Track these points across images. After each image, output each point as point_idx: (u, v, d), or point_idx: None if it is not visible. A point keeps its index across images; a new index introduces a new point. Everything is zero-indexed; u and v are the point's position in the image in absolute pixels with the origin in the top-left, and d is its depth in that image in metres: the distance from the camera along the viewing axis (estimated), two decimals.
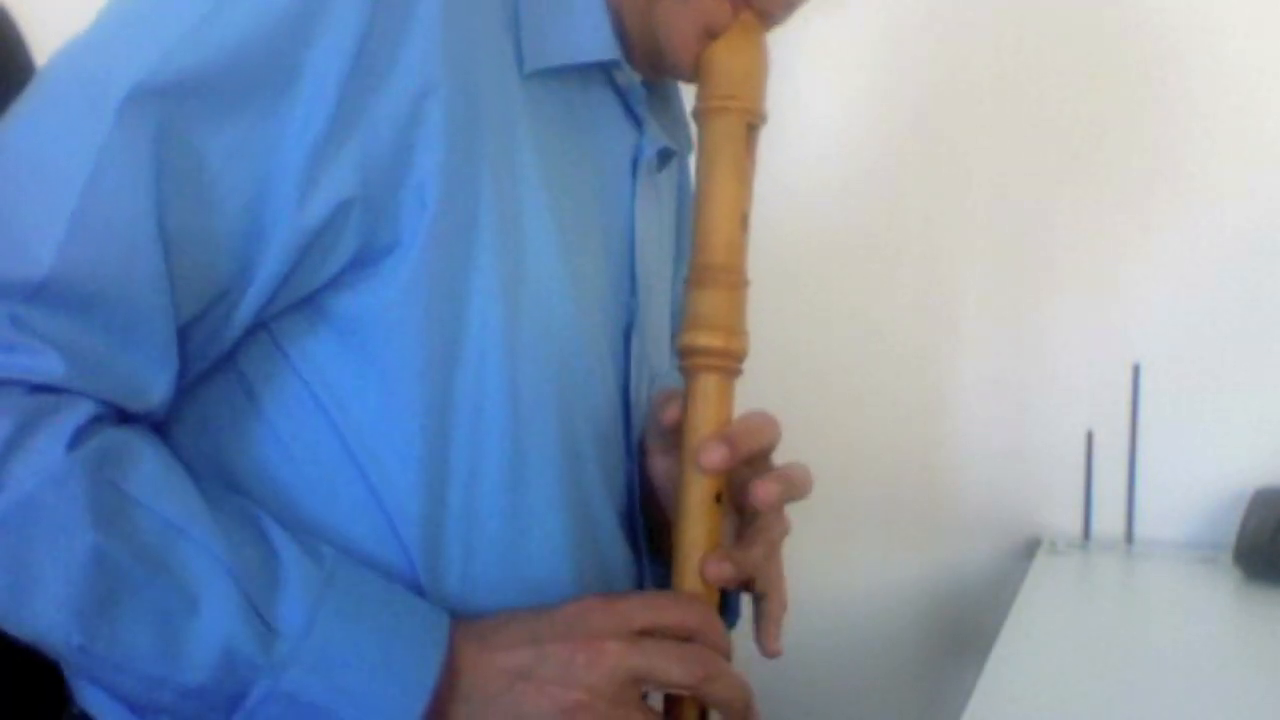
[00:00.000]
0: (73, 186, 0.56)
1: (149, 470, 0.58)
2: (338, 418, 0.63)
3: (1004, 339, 1.28)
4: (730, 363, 0.67)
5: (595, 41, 0.68)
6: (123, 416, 0.59)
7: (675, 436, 0.69)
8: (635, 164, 0.74)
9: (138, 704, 0.59)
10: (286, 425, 0.64)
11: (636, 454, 0.73)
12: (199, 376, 0.62)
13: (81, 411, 0.56)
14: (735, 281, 0.68)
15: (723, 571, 0.65)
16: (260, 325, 0.63)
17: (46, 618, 0.55)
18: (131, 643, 0.55)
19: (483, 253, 0.63)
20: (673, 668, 0.62)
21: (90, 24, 0.60)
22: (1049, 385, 1.26)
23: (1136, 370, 1.23)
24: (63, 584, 0.54)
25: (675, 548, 0.67)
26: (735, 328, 0.67)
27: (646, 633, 0.63)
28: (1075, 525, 1.26)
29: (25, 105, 0.59)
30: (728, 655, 0.65)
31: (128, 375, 0.58)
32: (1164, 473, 1.23)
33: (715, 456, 0.65)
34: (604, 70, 0.71)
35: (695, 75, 0.70)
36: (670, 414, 0.69)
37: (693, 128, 0.73)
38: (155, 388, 0.59)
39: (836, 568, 1.29)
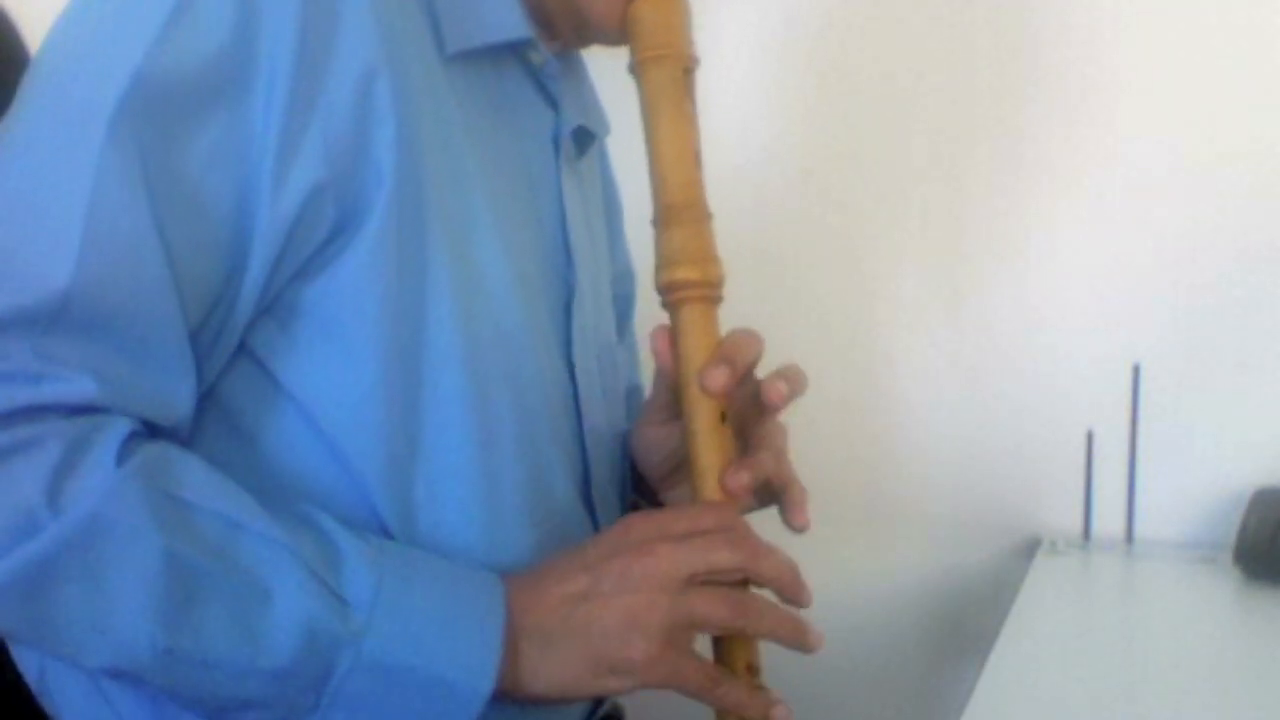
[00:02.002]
0: (76, 210, 0.57)
1: (195, 475, 0.59)
2: (314, 413, 0.64)
3: (1004, 339, 1.28)
4: (710, 291, 0.70)
5: (509, 20, 0.71)
6: (152, 433, 0.60)
7: (677, 404, 0.72)
8: (556, 143, 0.77)
9: (225, 704, 0.59)
10: (271, 437, 0.65)
11: (588, 419, 0.76)
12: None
13: (121, 428, 0.57)
14: (699, 216, 0.71)
15: (741, 480, 0.68)
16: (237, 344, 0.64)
17: (129, 629, 0.56)
18: (215, 638, 0.57)
19: (433, 228, 0.65)
20: (721, 554, 0.65)
21: (48, 43, 0.62)
22: (1049, 385, 1.26)
23: (1136, 370, 1.23)
24: (141, 592, 0.55)
25: (692, 473, 0.70)
26: (708, 258, 0.71)
27: (687, 535, 0.65)
28: (1075, 525, 1.26)
29: (8, 139, 0.60)
30: (756, 547, 0.67)
31: (153, 390, 0.59)
32: (1164, 473, 1.23)
33: (719, 377, 0.68)
34: (516, 52, 0.74)
35: (621, 36, 0.73)
36: (660, 343, 0.71)
37: (621, 105, 0.76)
38: (179, 400, 0.60)
39: (836, 568, 1.28)
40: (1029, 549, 1.25)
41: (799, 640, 0.66)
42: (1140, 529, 1.24)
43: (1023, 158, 1.26)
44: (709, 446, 0.69)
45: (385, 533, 0.66)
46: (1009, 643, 0.93)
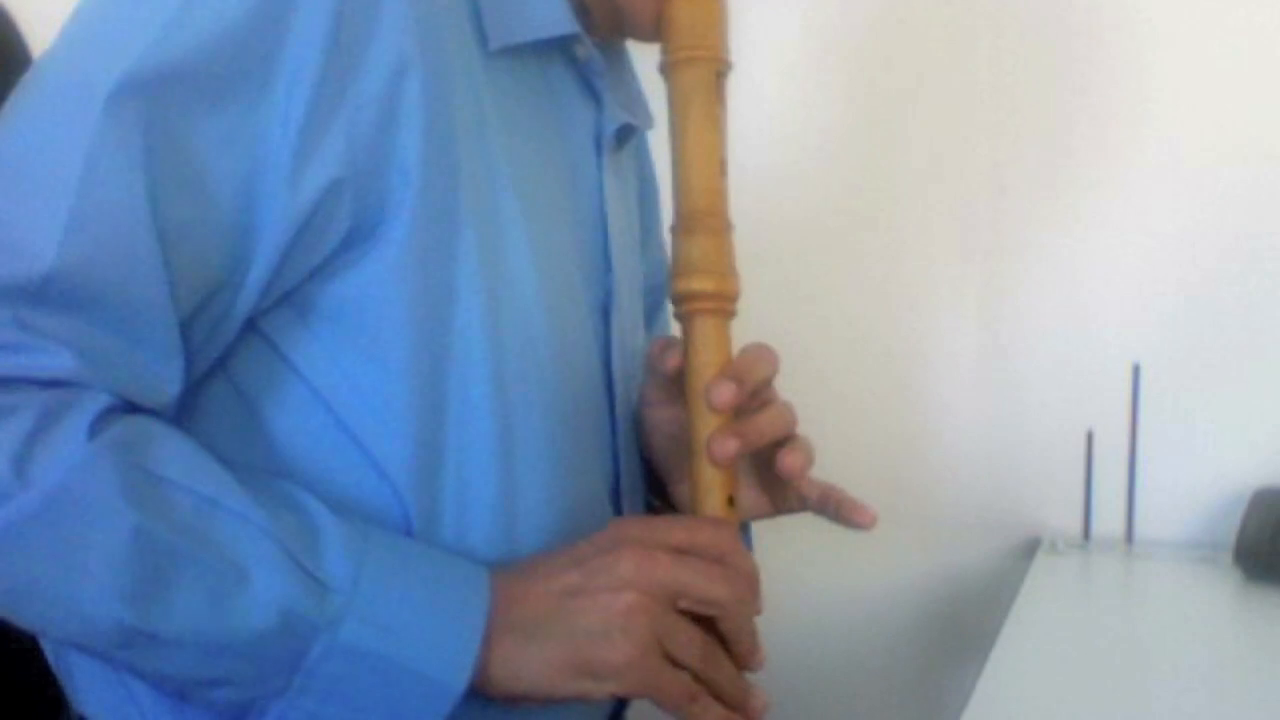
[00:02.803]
0: (67, 184, 0.55)
1: (172, 450, 0.58)
2: (334, 404, 0.63)
3: (1004, 339, 1.28)
4: (725, 304, 0.68)
5: (555, 15, 0.69)
6: (134, 410, 0.59)
7: (676, 385, 0.71)
8: (598, 141, 0.75)
9: (191, 682, 0.58)
10: (283, 418, 0.64)
11: (624, 425, 0.75)
12: (195, 382, 0.62)
13: (98, 401, 0.56)
14: (720, 226, 0.69)
15: (728, 447, 0.66)
16: (250, 326, 0.63)
17: (93, 605, 0.54)
18: (184, 617, 0.55)
19: (463, 230, 0.64)
20: (715, 585, 0.63)
21: (67, 23, 0.60)
22: (1049, 385, 1.26)
23: (1136, 370, 1.23)
24: (107, 568, 0.54)
25: (692, 487, 0.68)
26: (726, 270, 0.69)
27: (683, 551, 0.63)
28: (1075, 525, 1.26)
29: (12, 111, 0.59)
30: (755, 574, 0.66)
31: (137, 370, 0.58)
32: (1164, 473, 1.23)
33: (725, 394, 0.66)
34: (561, 47, 0.72)
35: (656, 33, 0.71)
36: (671, 361, 0.70)
37: (653, 101, 0.75)
38: (165, 382, 0.59)
39: (836, 568, 1.28)
40: (1029, 549, 1.25)
41: (738, 710, 0.65)
42: (1140, 529, 1.24)
43: (1023, 160, 1.26)
44: (710, 463, 0.67)
45: (409, 531, 0.65)
46: (1009, 643, 0.93)
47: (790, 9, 1.30)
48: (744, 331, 0.74)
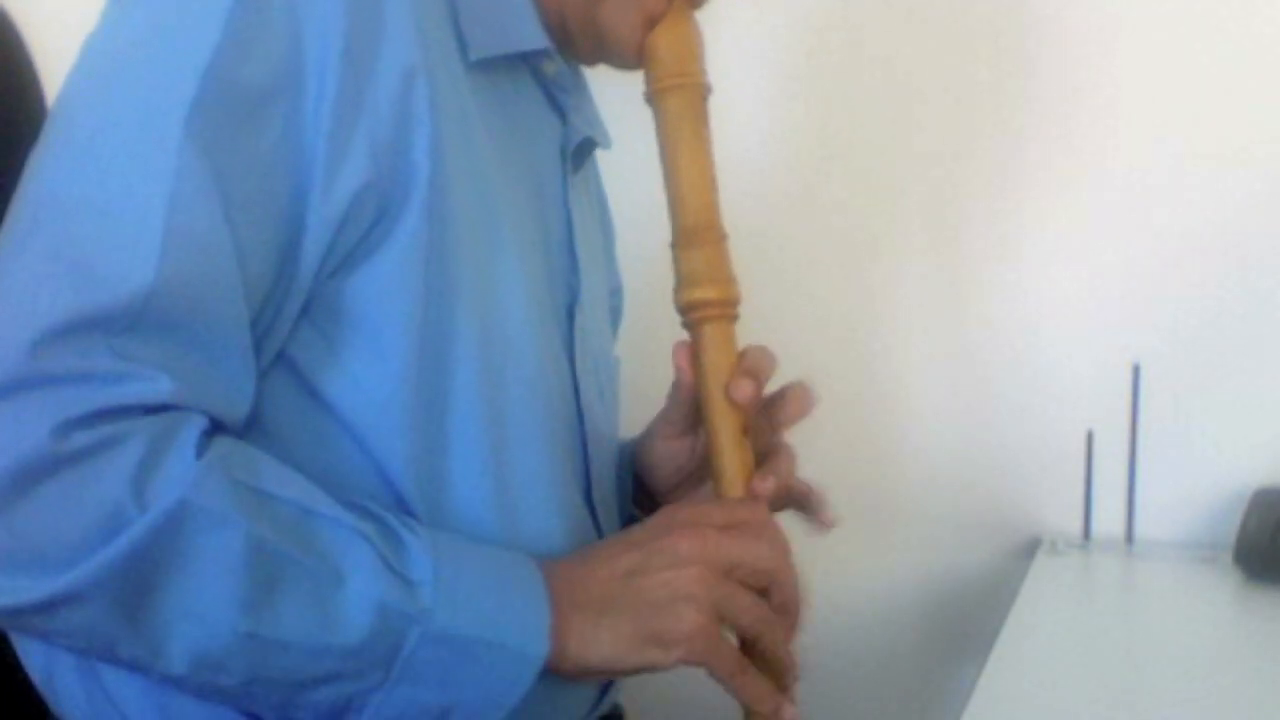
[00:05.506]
0: (155, 212, 0.58)
1: (265, 465, 0.61)
2: (337, 404, 0.65)
3: (1004, 339, 1.28)
4: (729, 310, 0.74)
5: (530, 31, 0.74)
6: (217, 429, 0.61)
7: (686, 419, 0.79)
8: (564, 151, 0.80)
9: (298, 684, 0.61)
10: (284, 418, 0.65)
11: (589, 419, 0.78)
12: None
13: (197, 424, 0.59)
14: (717, 237, 0.74)
15: (768, 484, 0.72)
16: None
17: (210, 615, 0.57)
18: (293, 619, 0.59)
19: (458, 227, 0.67)
20: (764, 555, 0.69)
21: (95, 55, 0.62)
22: (1049, 385, 1.26)
23: (1136, 370, 1.23)
24: (226, 577, 0.57)
25: (717, 479, 0.73)
26: (726, 278, 0.74)
27: (728, 528, 0.69)
28: (1075, 525, 1.26)
29: (66, 151, 0.60)
30: (787, 544, 0.72)
31: (224, 386, 0.61)
32: (1164, 473, 1.23)
33: (746, 388, 0.72)
34: (531, 62, 0.76)
35: (638, 62, 0.75)
36: (680, 361, 0.76)
37: (619, 119, 0.81)
38: (244, 397, 0.62)
39: (837, 568, 1.28)
40: (1029, 549, 1.25)
41: (785, 675, 0.70)
42: (1140, 529, 1.24)
43: (1023, 158, 1.26)
44: (733, 456, 0.72)
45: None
46: (1009, 643, 0.93)
47: (783, 7, 1.30)
48: (752, 336, 0.75)
